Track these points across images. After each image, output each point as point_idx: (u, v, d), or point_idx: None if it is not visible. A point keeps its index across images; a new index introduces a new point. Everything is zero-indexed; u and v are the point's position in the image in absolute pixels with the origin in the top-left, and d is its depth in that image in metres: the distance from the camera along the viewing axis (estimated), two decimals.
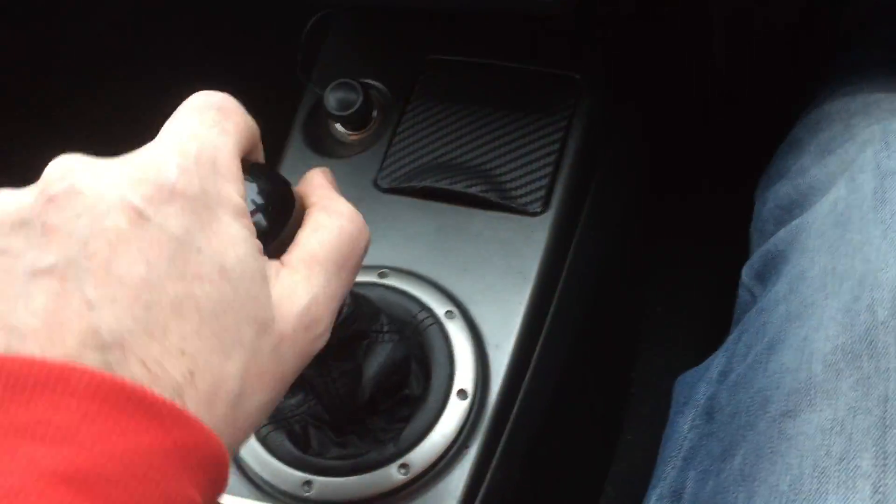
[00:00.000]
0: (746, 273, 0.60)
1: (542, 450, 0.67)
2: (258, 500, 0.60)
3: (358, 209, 0.70)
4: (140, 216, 0.33)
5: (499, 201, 0.68)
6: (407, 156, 0.72)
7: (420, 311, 0.63)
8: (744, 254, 0.68)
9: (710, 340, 0.65)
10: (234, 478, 0.60)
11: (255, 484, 0.60)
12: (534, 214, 0.68)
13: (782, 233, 0.57)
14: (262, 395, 0.35)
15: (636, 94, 0.81)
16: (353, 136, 0.75)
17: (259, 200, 0.39)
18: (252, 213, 0.38)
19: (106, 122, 1.07)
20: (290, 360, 0.37)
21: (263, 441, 0.60)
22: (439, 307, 0.63)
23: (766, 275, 0.56)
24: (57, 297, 0.31)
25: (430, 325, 0.62)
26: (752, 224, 0.68)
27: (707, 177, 0.96)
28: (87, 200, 0.33)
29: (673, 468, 0.54)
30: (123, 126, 0.71)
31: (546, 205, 0.68)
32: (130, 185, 0.33)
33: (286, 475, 0.59)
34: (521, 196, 0.69)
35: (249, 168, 0.40)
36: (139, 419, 0.30)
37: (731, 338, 0.56)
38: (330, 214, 0.40)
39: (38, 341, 0.31)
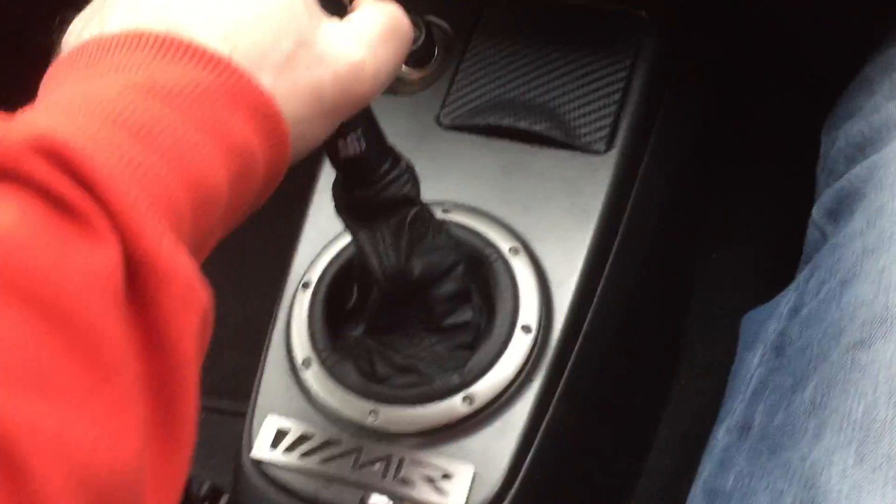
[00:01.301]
0: (817, 211, 0.59)
1: (603, 386, 0.67)
2: (324, 427, 0.61)
3: (421, 146, 0.71)
4: None
5: (563, 139, 0.68)
6: (469, 93, 0.72)
7: (485, 247, 0.63)
8: (804, 195, 0.67)
9: (766, 283, 0.64)
10: (301, 405, 0.62)
11: (322, 411, 0.61)
12: (598, 153, 0.67)
13: (857, 170, 0.56)
14: (297, 107, 0.40)
15: (702, 33, 0.79)
16: (414, 74, 0.75)
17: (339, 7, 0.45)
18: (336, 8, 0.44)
19: None
20: (329, 89, 0.41)
21: (330, 370, 0.61)
22: (504, 243, 0.64)
23: (840, 212, 0.56)
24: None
25: (495, 260, 0.63)
26: (820, 164, 0.67)
27: (770, 118, 0.95)
28: None
29: (741, 402, 0.54)
30: None
31: (610, 143, 0.68)
32: None
33: (352, 403, 0.60)
34: (585, 134, 0.68)
35: None
36: (196, 63, 0.37)
37: (801, 275, 0.56)
38: (374, 3, 0.46)
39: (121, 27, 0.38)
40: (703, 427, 0.64)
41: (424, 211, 0.57)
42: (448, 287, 0.58)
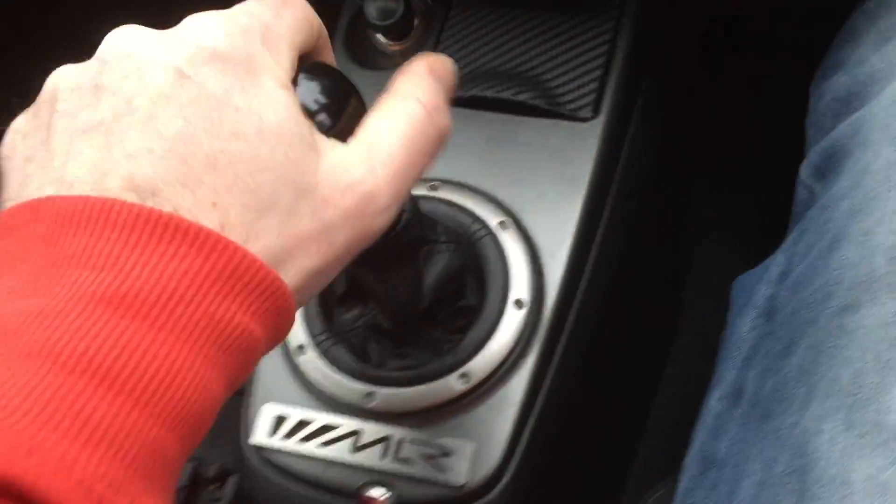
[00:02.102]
0: (805, 171, 0.59)
1: (598, 356, 0.67)
2: (322, 411, 0.61)
3: None
4: (181, 75, 0.34)
5: (548, 108, 0.67)
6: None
7: (473, 223, 0.63)
8: (797, 151, 0.66)
9: (761, 242, 0.64)
10: (298, 391, 0.62)
11: (319, 396, 0.61)
12: (584, 120, 0.67)
13: (842, 127, 0.55)
14: (305, 260, 0.36)
15: None
16: (394, 47, 0.74)
17: (322, 99, 0.39)
18: (315, 113, 0.38)
19: None
20: (340, 230, 0.37)
21: (325, 354, 0.61)
22: (492, 218, 0.63)
23: (827, 171, 0.55)
24: (101, 150, 0.33)
25: (484, 236, 0.62)
26: (808, 119, 0.66)
27: (759, 73, 0.93)
28: (135, 62, 0.35)
29: (733, 368, 0.54)
30: None
31: (596, 110, 0.67)
32: (175, 47, 0.35)
33: (349, 387, 0.60)
34: (570, 101, 0.67)
35: (314, 67, 0.40)
36: (178, 245, 0.32)
37: (791, 237, 0.55)
38: (405, 99, 0.40)
39: (83, 189, 0.33)
40: (702, 389, 0.64)
41: (429, 239, 0.56)
42: (449, 289, 0.58)
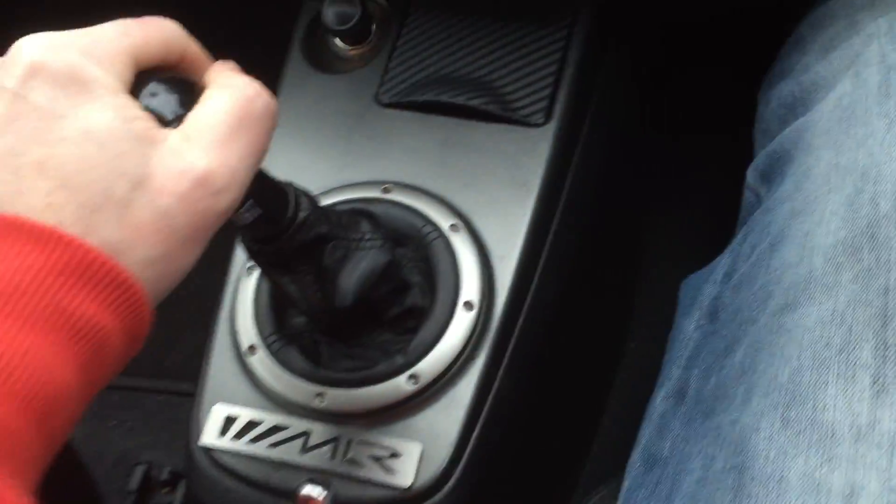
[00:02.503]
0: (751, 175, 0.60)
1: (548, 359, 0.68)
2: (272, 412, 0.61)
3: (359, 125, 0.70)
4: (13, 96, 0.37)
5: (501, 113, 0.68)
6: (407, 69, 0.72)
7: (425, 225, 0.63)
8: (748, 156, 0.67)
9: (713, 245, 0.65)
10: (247, 390, 0.62)
11: (269, 397, 0.61)
12: (536, 125, 0.67)
13: (787, 132, 0.56)
14: (148, 249, 0.38)
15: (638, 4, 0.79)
16: (352, 51, 0.74)
17: (181, 111, 0.41)
18: (172, 122, 0.41)
19: None
20: (180, 216, 0.38)
21: (276, 355, 0.61)
22: (444, 221, 0.64)
23: (772, 175, 0.56)
24: None
25: (435, 238, 0.63)
26: (756, 125, 0.67)
27: (709, 80, 0.95)
28: None
29: (678, 368, 0.54)
30: None
31: (548, 115, 0.68)
32: (6, 70, 0.38)
33: (299, 387, 0.60)
34: (523, 107, 0.68)
35: (173, 80, 0.42)
36: (23, 244, 0.34)
37: (736, 239, 0.56)
38: (220, 87, 0.42)
39: None
40: (652, 391, 0.65)
41: (339, 236, 0.55)
42: (384, 288, 0.58)
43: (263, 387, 0.61)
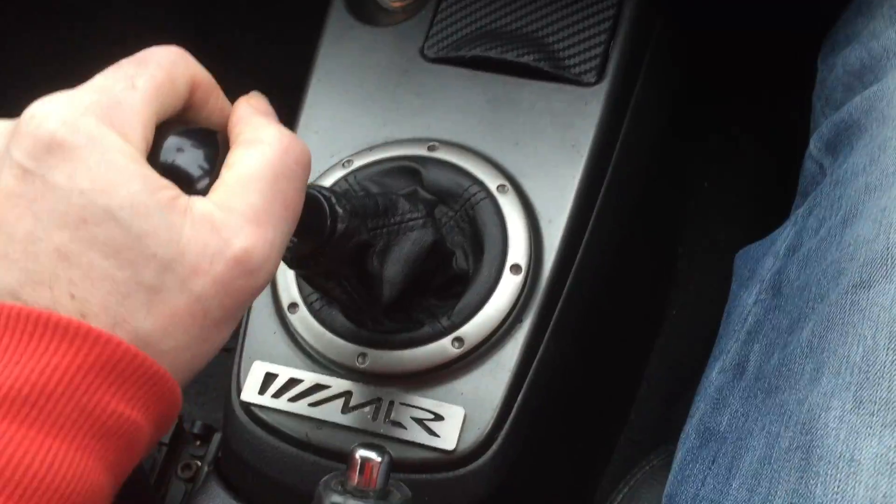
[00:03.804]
0: (815, 144, 0.58)
1: (592, 324, 0.67)
2: (313, 370, 0.60)
3: (405, 80, 0.68)
4: (25, 172, 0.33)
5: (552, 71, 0.66)
6: (455, 23, 0.69)
7: (471, 185, 0.62)
8: (797, 124, 0.65)
9: (758, 216, 0.63)
10: (289, 350, 0.61)
11: (310, 355, 0.60)
12: (588, 84, 0.65)
13: (857, 100, 0.54)
14: (181, 336, 0.35)
15: None
16: (396, 3, 0.72)
17: (207, 166, 0.37)
18: (199, 180, 0.37)
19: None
20: (214, 298, 0.35)
21: (317, 314, 0.60)
22: (491, 181, 0.62)
23: (839, 146, 0.54)
24: None
25: (482, 199, 0.61)
26: (816, 91, 0.65)
27: (764, 44, 0.92)
28: None
29: (736, 342, 0.53)
30: None
31: (601, 74, 0.66)
32: (17, 143, 0.34)
33: (341, 347, 0.59)
34: (575, 65, 0.66)
35: (196, 132, 0.38)
36: (49, 341, 0.32)
37: (800, 211, 0.54)
38: (248, 146, 0.38)
39: None
40: (694, 358, 0.64)
41: (379, 226, 0.53)
42: (430, 264, 0.56)
43: (304, 345, 0.60)
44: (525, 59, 0.66)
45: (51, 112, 0.34)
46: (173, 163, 0.37)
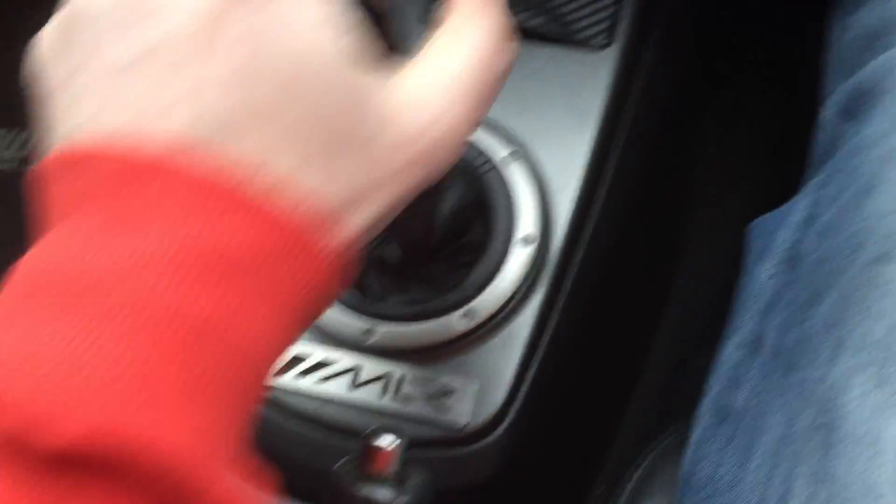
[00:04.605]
0: (829, 110, 0.56)
1: (603, 296, 0.66)
2: (319, 345, 0.59)
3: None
4: (220, 8, 0.30)
5: (560, 35, 0.64)
6: None
7: (479, 155, 0.60)
8: (804, 88, 0.64)
9: (768, 186, 0.62)
10: None
11: (316, 330, 0.59)
12: (597, 48, 0.63)
13: (873, 65, 0.53)
14: (372, 208, 0.33)
15: None
16: None
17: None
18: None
19: None
20: (410, 174, 0.34)
21: None
22: (499, 150, 0.60)
23: (856, 112, 0.53)
24: (145, 93, 0.30)
25: (490, 169, 0.60)
26: (828, 54, 0.63)
27: (771, 5, 0.90)
28: None
29: (751, 317, 0.52)
30: None
31: (610, 38, 0.64)
32: None
33: (348, 321, 0.58)
34: (583, 28, 0.64)
35: None
36: (241, 218, 0.29)
37: (815, 181, 0.53)
38: (476, 27, 0.36)
39: (128, 142, 0.30)
40: (702, 329, 0.63)
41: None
42: (456, 227, 0.56)
43: None
44: (532, 22, 0.64)
45: None
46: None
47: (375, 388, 0.58)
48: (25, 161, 0.99)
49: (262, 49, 0.30)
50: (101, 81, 0.30)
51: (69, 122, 0.31)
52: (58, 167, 0.31)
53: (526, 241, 0.58)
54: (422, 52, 0.35)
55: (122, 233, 0.28)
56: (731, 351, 0.52)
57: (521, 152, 0.61)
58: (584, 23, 0.64)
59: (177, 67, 0.30)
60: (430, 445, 0.56)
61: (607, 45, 0.64)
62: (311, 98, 0.31)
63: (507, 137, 0.62)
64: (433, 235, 0.54)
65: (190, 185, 0.29)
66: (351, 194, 0.32)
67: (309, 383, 0.58)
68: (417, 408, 0.57)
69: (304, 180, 0.31)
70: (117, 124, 0.30)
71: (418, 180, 0.34)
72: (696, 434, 0.51)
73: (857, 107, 0.53)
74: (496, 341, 0.58)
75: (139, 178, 0.29)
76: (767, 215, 0.56)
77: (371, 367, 0.58)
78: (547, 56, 0.64)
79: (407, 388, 0.57)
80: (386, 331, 0.58)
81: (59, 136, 0.31)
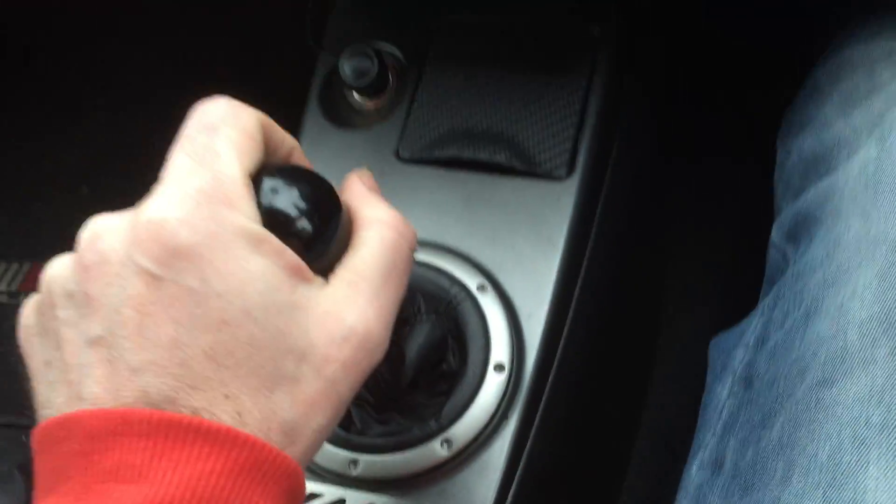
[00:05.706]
0: (777, 234, 0.60)
1: (577, 415, 0.68)
2: (308, 480, 0.61)
3: (381, 182, 0.70)
4: (154, 278, 0.35)
5: (524, 168, 0.68)
6: (427, 123, 0.72)
7: (452, 286, 0.63)
8: (763, 206, 0.67)
9: (734, 299, 0.65)
10: None
11: None
12: (559, 179, 0.67)
13: (812, 193, 0.56)
14: (318, 420, 0.37)
15: (653, 46, 0.79)
16: (370, 104, 0.74)
17: (301, 205, 0.39)
18: (295, 220, 0.38)
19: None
20: (344, 380, 0.38)
21: None
22: (471, 281, 0.64)
23: (799, 236, 0.56)
24: (108, 364, 0.34)
25: (464, 300, 0.63)
26: (777, 173, 0.67)
27: (724, 129, 0.95)
28: (112, 268, 0.35)
29: (713, 436, 0.54)
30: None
31: (571, 168, 0.68)
32: (140, 250, 0.35)
33: (332, 455, 0.60)
34: (545, 161, 0.68)
35: (284, 171, 0.40)
36: (200, 446, 0.33)
37: (766, 302, 0.56)
38: (369, 227, 0.41)
39: (105, 404, 0.34)
40: (676, 444, 0.65)
41: (414, 314, 0.56)
42: (434, 360, 0.59)
43: None
44: (498, 157, 0.68)
45: (166, 214, 0.35)
46: (271, 205, 0.38)
47: None
48: (13, 295, 1.02)
49: (194, 315, 0.35)
50: (73, 359, 0.35)
51: (50, 398, 0.36)
52: (43, 438, 0.35)
53: (499, 368, 0.61)
54: (336, 271, 0.39)
55: None
56: (695, 470, 0.54)
57: (493, 281, 0.64)
58: (545, 155, 0.68)
59: (118, 352, 0.34)
60: None
61: (569, 174, 0.67)
62: (244, 340, 0.35)
63: (478, 267, 0.65)
64: (404, 377, 0.56)
65: (144, 450, 0.33)
66: (297, 410, 0.36)
67: None
68: None
69: (261, 408, 0.35)
70: (85, 402, 0.34)
71: (362, 370, 0.38)
72: None
73: (800, 232, 0.56)
74: (475, 467, 0.60)
75: (109, 434, 0.33)
76: (725, 333, 0.59)
77: (356, 498, 0.60)
78: (512, 188, 0.68)
79: None
80: (369, 462, 0.60)
81: (43, 408, 0.36)
